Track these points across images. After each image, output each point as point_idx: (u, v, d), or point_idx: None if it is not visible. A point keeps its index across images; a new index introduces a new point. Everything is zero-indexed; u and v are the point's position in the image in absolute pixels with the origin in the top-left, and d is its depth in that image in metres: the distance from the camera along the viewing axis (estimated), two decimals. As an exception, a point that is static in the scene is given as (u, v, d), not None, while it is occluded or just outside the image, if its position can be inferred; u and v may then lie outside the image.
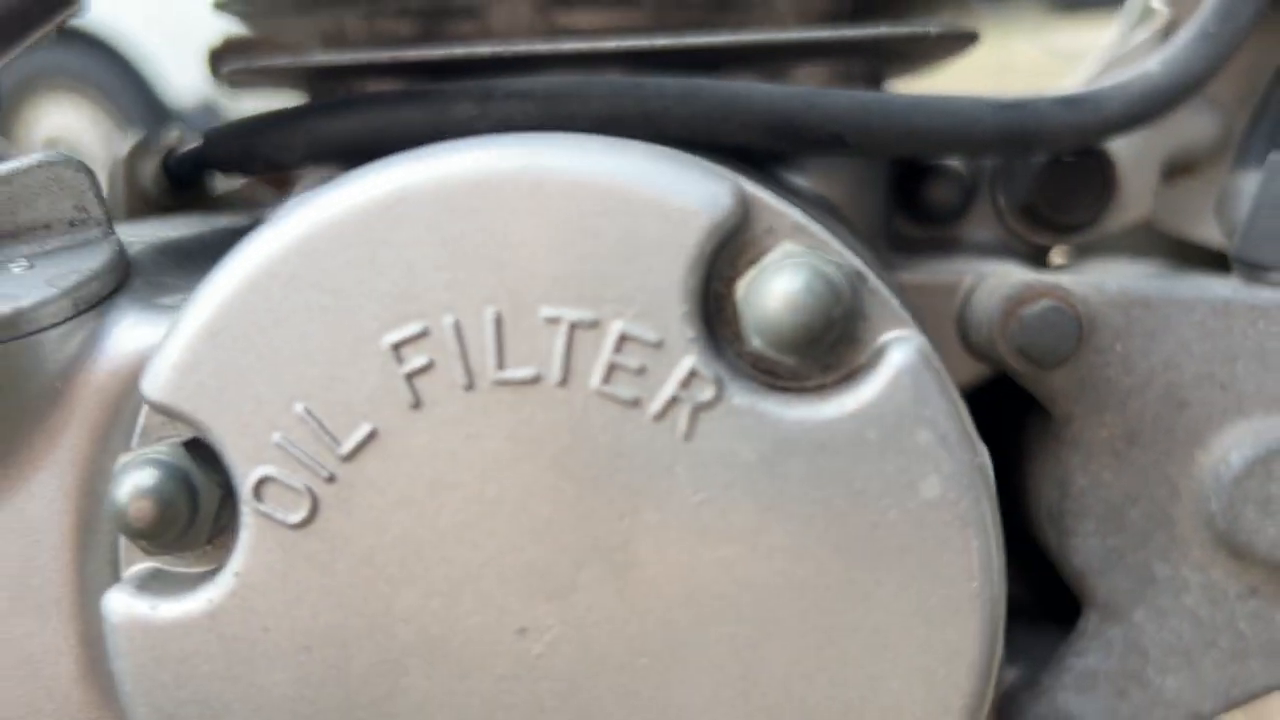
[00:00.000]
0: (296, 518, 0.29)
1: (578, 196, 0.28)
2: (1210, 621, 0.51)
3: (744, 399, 0.28)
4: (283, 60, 0.54)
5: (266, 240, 0.29)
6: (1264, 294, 0.50)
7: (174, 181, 0.60)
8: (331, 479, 0.29)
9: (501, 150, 0.29)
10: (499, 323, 0.28)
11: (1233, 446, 0.49)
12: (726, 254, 0.29)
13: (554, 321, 0.28)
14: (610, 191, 0.28)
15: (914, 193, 0.59)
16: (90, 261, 0.34)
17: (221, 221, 0.48)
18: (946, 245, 0.60)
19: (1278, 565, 0.50)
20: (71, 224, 0.36)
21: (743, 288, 0.28)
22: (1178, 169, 0.61)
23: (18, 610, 0.33)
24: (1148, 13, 0.64)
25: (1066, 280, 0.50)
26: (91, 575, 0.33)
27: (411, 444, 0.29)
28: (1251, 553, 0.49)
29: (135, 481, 0.30)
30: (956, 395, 0.29)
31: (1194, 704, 0.52)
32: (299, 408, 0.29)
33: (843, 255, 0.29)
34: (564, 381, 0.29)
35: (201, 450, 0.31)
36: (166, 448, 0.31)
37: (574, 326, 0.28)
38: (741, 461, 0.28)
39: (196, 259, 0.40)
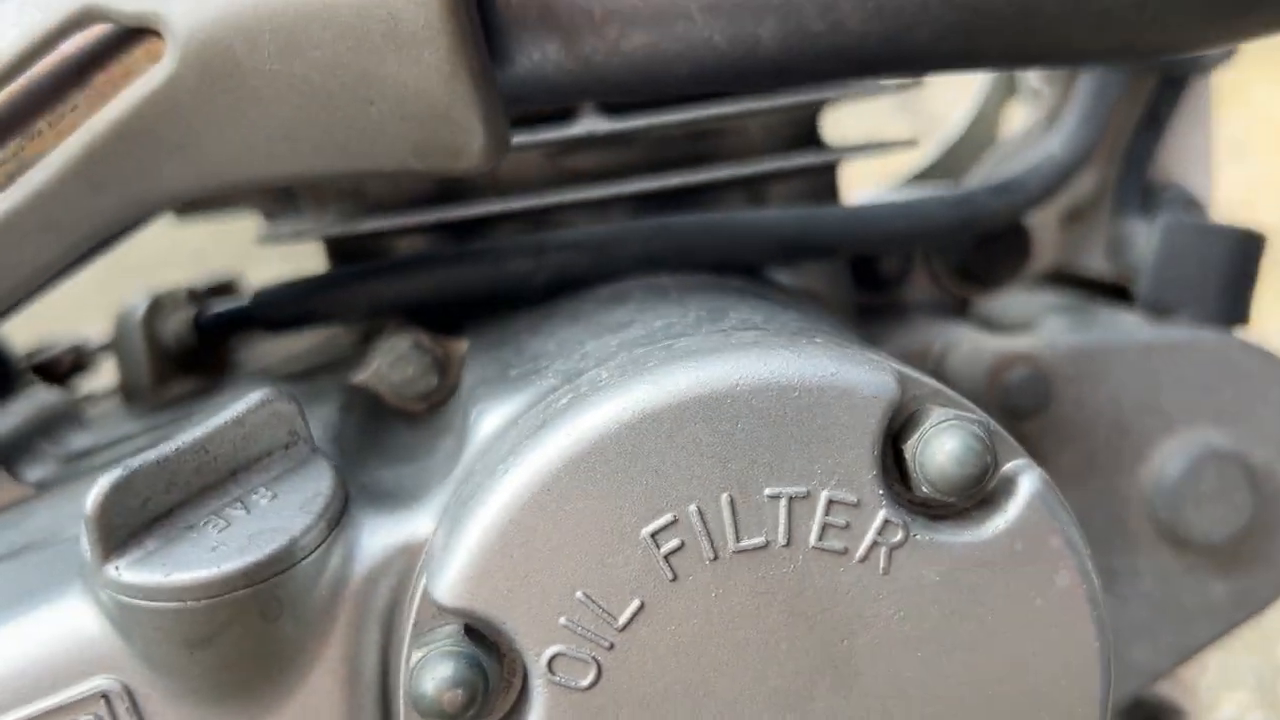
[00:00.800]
0: (585, 682, 0.36)
1: (782, 397, 0.36)
2: (1161, 599, 0.63)
3: (923, 535, 0.37)
4: (327, 229, 0.58)
5: (535, 460, 0.36)
6: (1173, 332, 0.61)
7: (203, 340, 0.64)
8: (611, 647, 0.36)
9: (719, 367, 0.36)
10: (733, 505, 0.36)
11: (1167, 458, 0.61)
12: (894, 424, 0.37)
13: (775, 498, 0.36)
14: (807, 389, 0.36)
15: (866, 269, 0.69)
16: (320, 481, 0.40)
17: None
18: (893, 308, 0.70)
19: (1209, 547, 0.62)
20: (285, 447, 0.41)
21: (910, 449, 0.37)
22: (1069, 218, 0.73)
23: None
24: (1030, 94, 0.75)
25: (1030, 345, 0.60)
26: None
27: (673, 609, 0.36)
28: (1189, 540, 0.62)
29: (441, 674, 0.36)
30: (1065, 502, 0.38)
31: (1154, 666, 0.64)
32: (579, 594, 0.36)
33: (974, 410, 0.38)
34: (788, 544, 0.36)
35: (477, 635, 0.37)
36: (452, 639, 0.37)
37: (791, 499, 0.36)
38: (928, 583, 0.37)
39: (360, 454, 0.46)
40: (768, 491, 0.36)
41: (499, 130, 0.41)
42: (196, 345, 0.65)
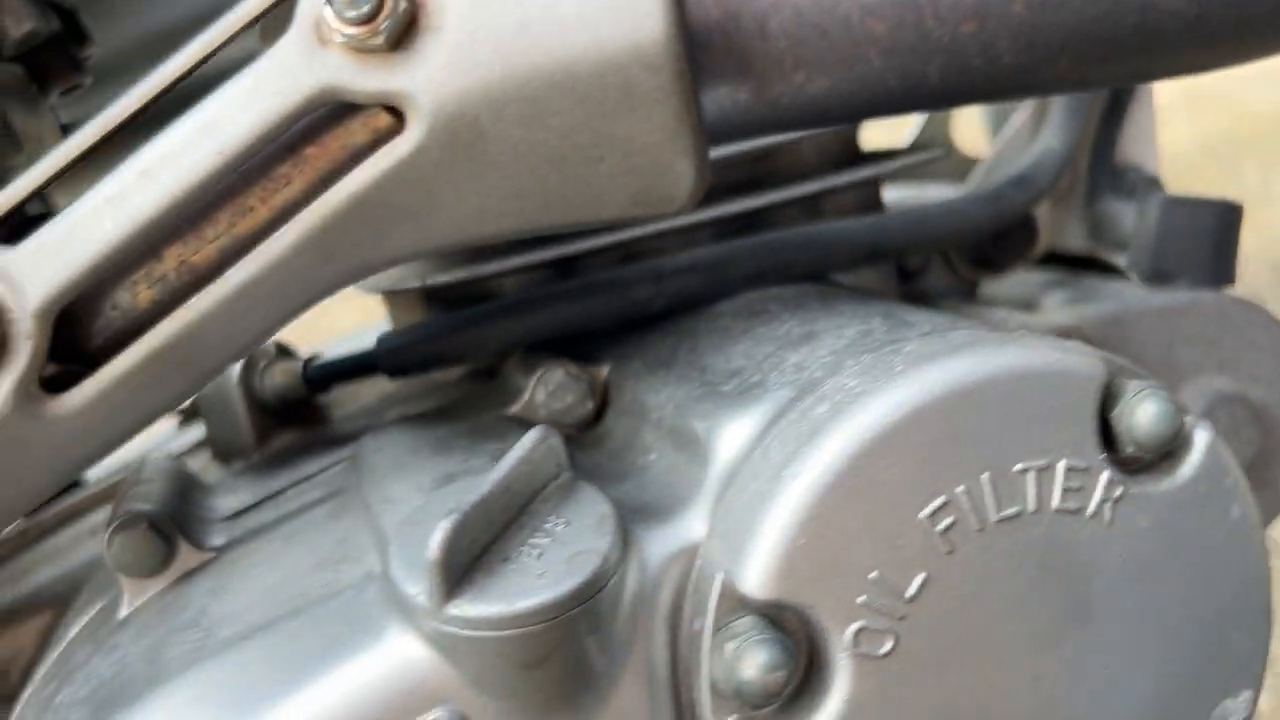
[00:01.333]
0: (884, 650, 0.41)
1: (1020, 383, 0.42)
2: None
3: (1135, 488, 0.44)
4: (433, 278, 0.61)
5: (822, 462, 0.41)
6: (1179, 296, 0.71)
7: (311, 389, 0.66)
8: (904, 617, 0.42)
9: (964, 364, 0.42)
10: (992, 481, 0.42)
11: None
12: (1104, 397, 0.44)
13: (1024, 471, 0.42)
14: (1039, 375, 0.42)
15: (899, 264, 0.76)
16: (597, 504, 0.44)
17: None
18: (919, 297, 0.78)
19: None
20: (555, 478, 0.45)
21: (1116, 417, 0.44)
22: (1052, 204, 0.82)
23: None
24: None
25: (1069, 318, 0.68)
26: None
27: (951, 578, 0.42)
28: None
29: (761, 660, 0.40)
30: (1225, 444, 0.46)
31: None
32: (873, 575, 0.41)
33: (1151, 376, 0.45)
34: (1036, 510, 0.43)
35: (772, 621, 0.42)
36: (757, 628, 0.41)
37: (1037, 471, 0.42)
38: (1141, 529, 0.44)
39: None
40: (1017, 467, 0.42)
41: (705, 174, 0.46)
42: (301, 398, 0.66)
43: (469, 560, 0.40)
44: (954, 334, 0.45)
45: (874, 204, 0.70)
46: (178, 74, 0.46)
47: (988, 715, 0.43)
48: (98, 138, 0.46)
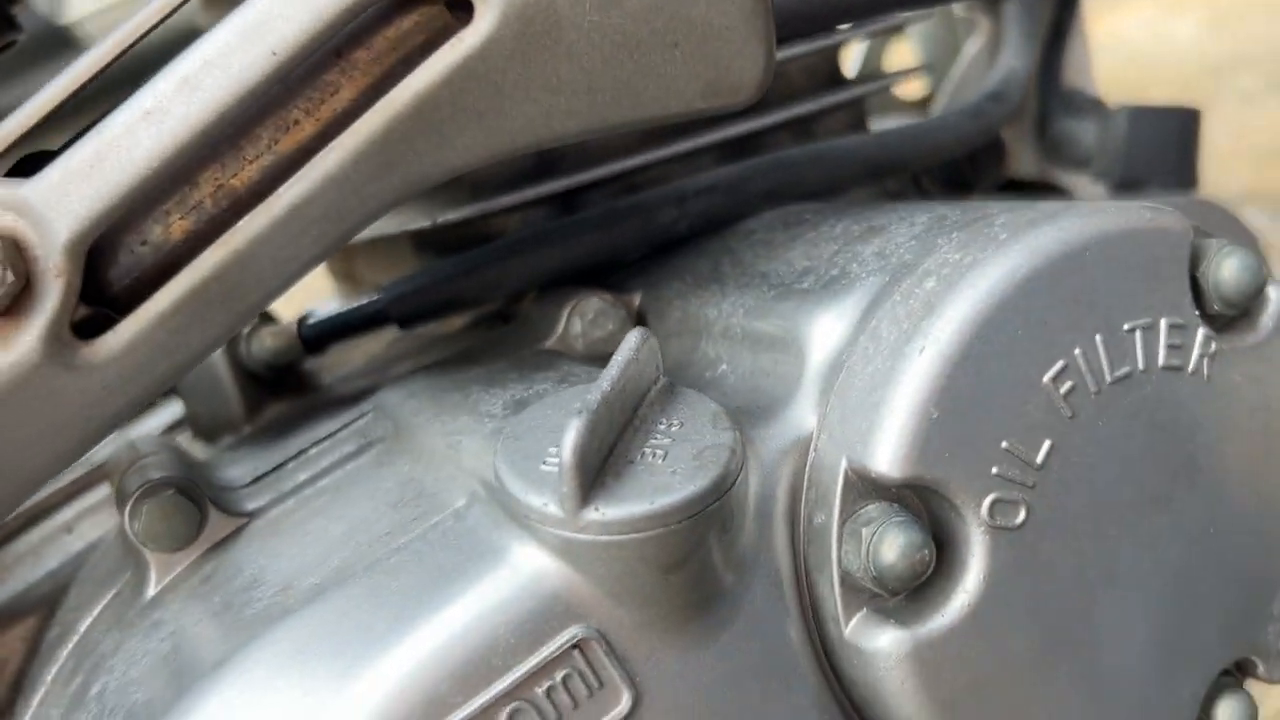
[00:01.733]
0: (1018, 521, 0.41)
1: (1122, 245, 0.42)
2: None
3: (1224, 344, 0.44)
4: (438, 217, 0.58)
5: (944, 335, 0.40)
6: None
7: (307, 350, 0.62)
8: (1034, 486, 0.41)
9: (1069, 228, 0.41)
10: (1104, 343, 0.42)
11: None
12: (1192, 256, 0.44)
13: (1131, 331, 0.42)
14: (1136, 236, 0.42)
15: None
16: (704, 404, 0.42)
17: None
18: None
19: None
20: (655, 381, 0.42)
21: (1203, 274, 0.44)
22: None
23: (771, 695, 0.41)
24: (968, 23, 0.85)
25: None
26: (807, 640, 0.42)
27: (1074, 442, 0.41)
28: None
29: (904, 541, 0.39)
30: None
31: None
32: (1003, 445, 0.40)
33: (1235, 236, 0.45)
34: (1145, 369, 0.42)
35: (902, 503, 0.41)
36: (891, 510, 0.40)
37: (1143, 330, 0.42)
38: (1234, 382, 0.44)
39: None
40: (1125, 326, 0.42)
41: (773, 63, 0.45)
42: (294, 362, 0.62)
43: (599, 463, 0.38)
44: (1043, 205, 0.45)
45: (861, 125, 0.70)
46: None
47: (1113, 580, 0.43)
48: (106, 62, 0.42)
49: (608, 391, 0.38)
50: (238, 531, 0.50)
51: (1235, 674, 0.46)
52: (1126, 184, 0.74)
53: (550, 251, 0.57)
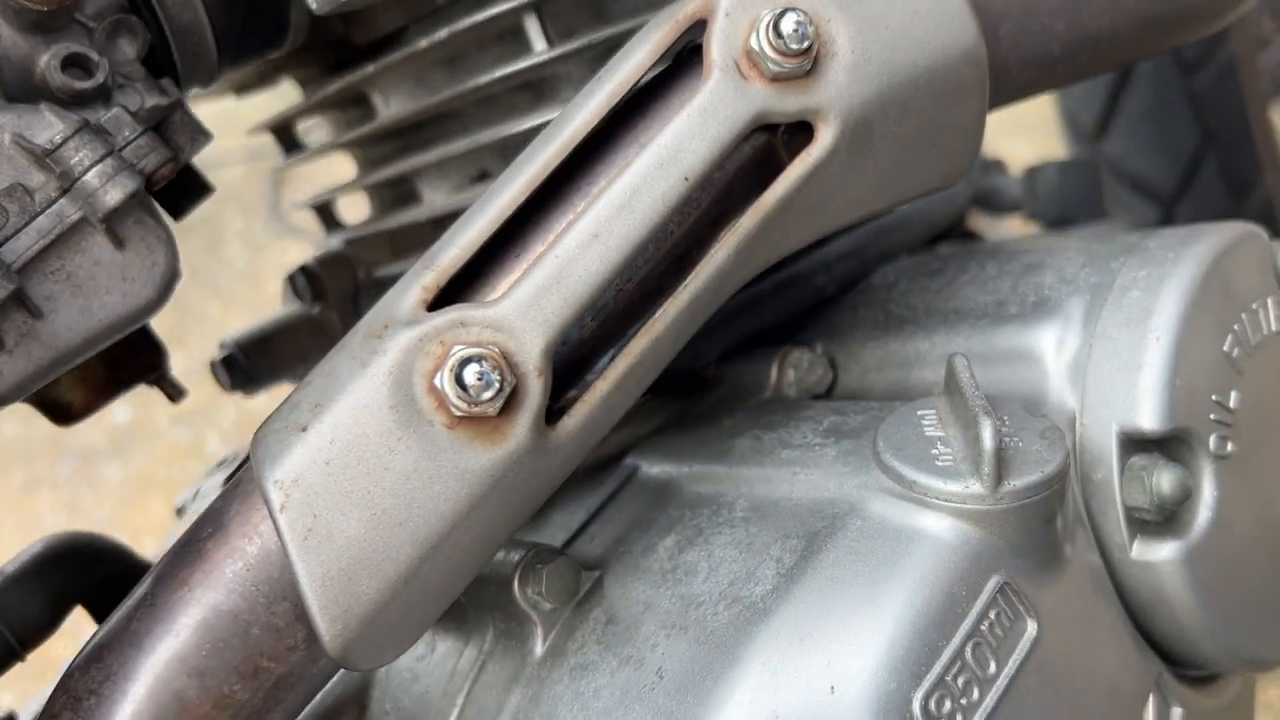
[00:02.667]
0: (1230, 451, 0.57)
1: (1241, 248, 0.60)
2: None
3: (1297, 312, 0.63)
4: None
5: (1169, 307, 0.56)
6: (1090, 230, 0.93)
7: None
8: (1232, 425, 0.57)
9: (1210, 240, 0.59)
10: (1247, 320, 0.59)
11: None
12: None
13: (1256, 309, 0.60)
14: (1250, 241, 0.60)
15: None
16: (1012, 401, 0.55)
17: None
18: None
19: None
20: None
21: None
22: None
23: (1099, 605, 0.55)
24: None
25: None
26: (1102, 565, 0.56)
27: (1248, 388, 0.58)
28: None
29: (1173, 476, 0.54)
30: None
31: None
32: (1213, 397, 0.57)
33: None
34: (1275, 333, 0.60)
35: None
36: (1151, 456, 0.55)
37: (1263, 307, 0.60)
38: (1307, 338, 0.63)
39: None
40: (1253, 305, 0.60)
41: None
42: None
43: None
44: (1162, 232, 0.62)
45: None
46: (596, 119, 0.52)
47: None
48: (525, 195, 0.51)
49: (979, 397, 0.51)
50: (597, 581, 0.58)
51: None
52: (1059, 222, 0.95)
53: (742, 321, 0.69)
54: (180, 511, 0.87)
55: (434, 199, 0.74)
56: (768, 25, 0.51)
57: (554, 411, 0.50)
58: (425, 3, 0.69)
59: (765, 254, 0.55)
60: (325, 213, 0.86)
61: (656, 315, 0.52)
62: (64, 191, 0.55)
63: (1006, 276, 0.65)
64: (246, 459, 0.85)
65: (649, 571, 0.57)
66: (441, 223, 0.75)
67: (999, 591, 0.50)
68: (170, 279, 0.59)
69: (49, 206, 0.55)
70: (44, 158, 0.54)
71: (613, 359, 0.52)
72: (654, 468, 0.64)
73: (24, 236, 0.55)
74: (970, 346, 0.63)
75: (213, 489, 0.88)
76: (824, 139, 0.53)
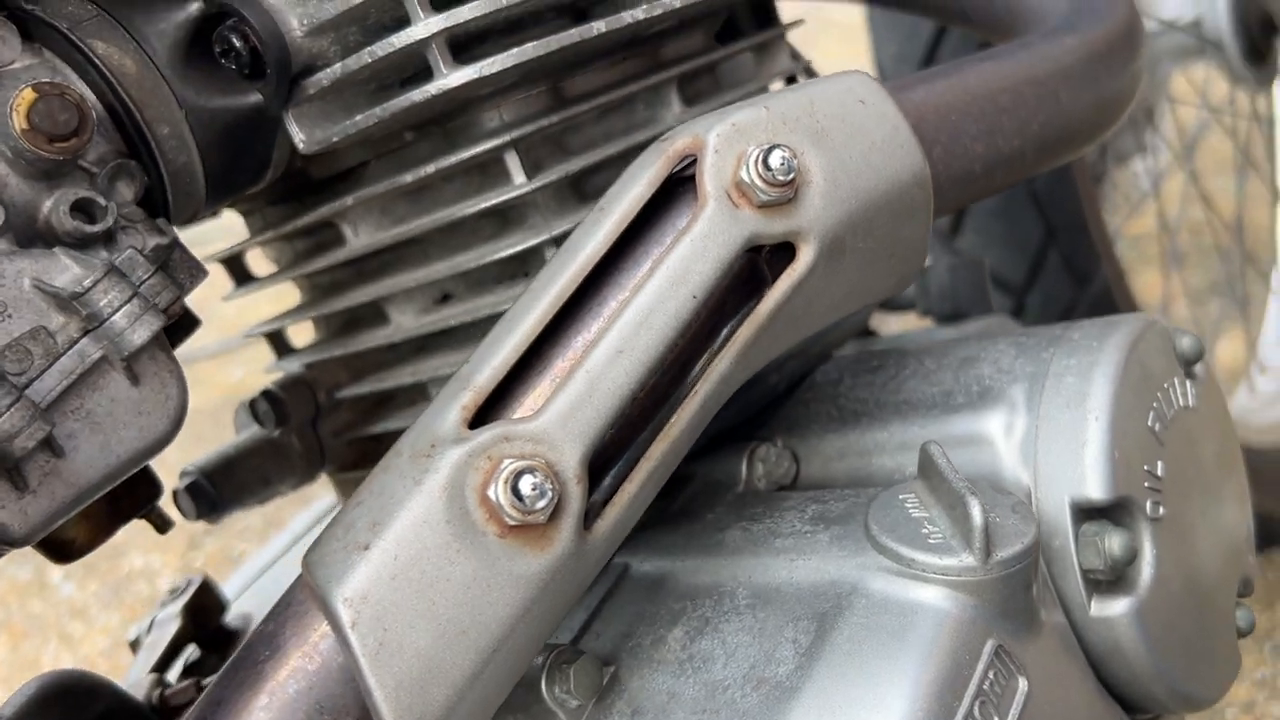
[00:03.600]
0: (1162, 513, 0.65)
1: (1151, 338, 0.69)
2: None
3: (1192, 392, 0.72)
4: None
5: (1102, 393, 0.64)
6: (981, 324, 1.02)
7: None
8: (1161, 490, 0.65)
9: (1128, 331, 0.67)
10: (1161, 397, 0.68)
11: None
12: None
13: (1167, 388, 0.69)
14: (1156, 332, 0.69)
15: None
16: (975, 480, 0.62)
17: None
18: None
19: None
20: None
21: (1179, 348, 0.72)
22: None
23: (1069, 660, 0.61)
24: None
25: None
26: (1066, 623, 0.63)
27: (1168, 456, 0.67)
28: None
29: (1121, 540, 0.62)
30: None
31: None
32: (1145, 466, 0.65)
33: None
34: (1183, 407, 0.69)
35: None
36: (1097, 525, 0.62)
37: (1169, 386, 0.69)
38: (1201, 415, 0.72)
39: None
40: (1164, 385, 0.69)
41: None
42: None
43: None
44: (1078, 324, 0.70)
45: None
46: (605, 248, 0.57)
47: (1200, 553, 0.68)
48: (548, 319, 0.56)
49: (966, 483, 0.58)
50: (615, 675, 0.61)
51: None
52: (951, 317, 1.04)
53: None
54: (135, 645, 0.86)
55: (402, 322, 0.77)
56: (756, 159, 0.57)
57: (587, 515, 0.54)
58: (394, 139, 0.74)
59: (759, 358, 0.60)
60: (277, 338, 0.88)
61: (672, 420, 0.57)
62: (85, 332, 0.57)
63: (946, 370, 0.72)
64: (195, 585, 0.85)
65: (665, 662, 0.61)
66: (412, 344, 0.78)
67: (995, 654, 0.56)
68: (182, 411, 0.61)
69: (71, 347, 0.57)
70: (70, 301, 0.56)
71: (635, 463, 0.56)
72: (645, 564, 0.68)
73: (48, 378, 0.56)
74: (926, 434, 0.69)
75: (169, 618, 0.87)
76: (805, 256, 0.59)
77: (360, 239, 0.76)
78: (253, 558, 1.00)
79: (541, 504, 0.51)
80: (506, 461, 0.51)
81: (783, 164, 0.57)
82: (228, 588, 0.97)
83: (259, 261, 0.90)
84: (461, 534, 0.50)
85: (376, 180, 0.75)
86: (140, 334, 0.56)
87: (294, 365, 0.85)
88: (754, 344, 0.59)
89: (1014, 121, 0.72)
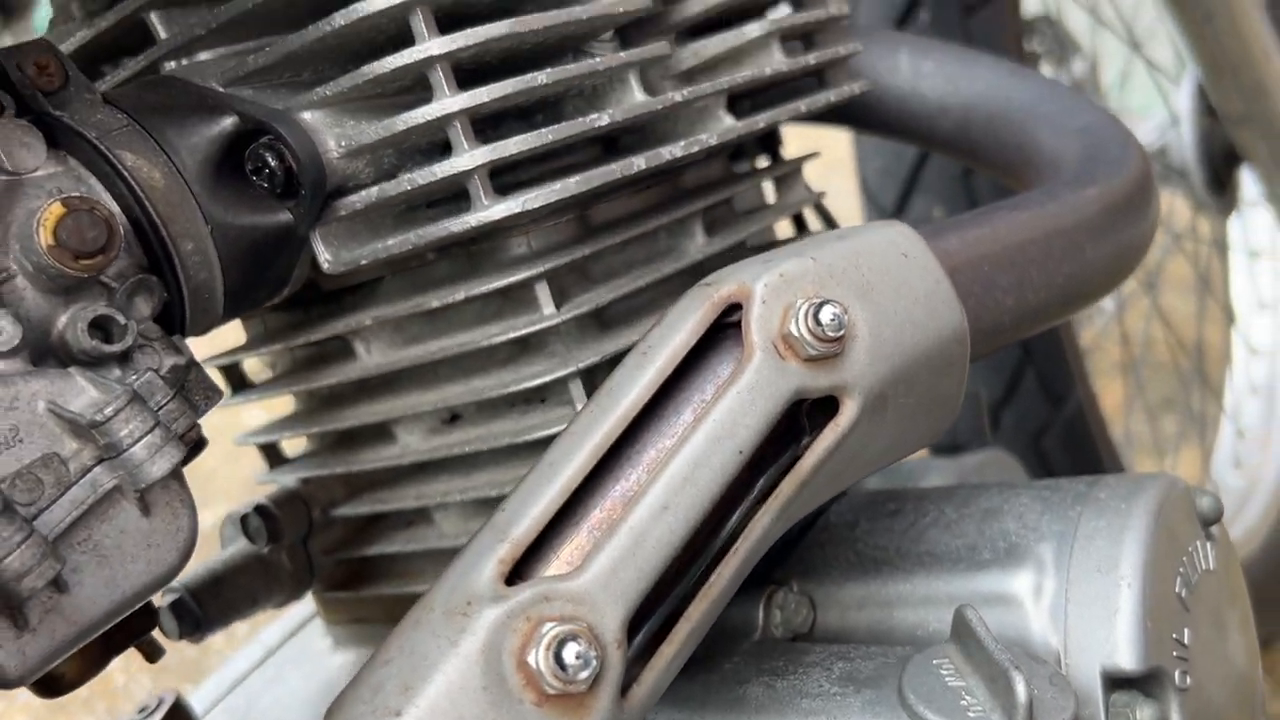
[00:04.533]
0: (1189, 683, 0.64)
1: (1175, 499, 0.68)
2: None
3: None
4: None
5: (1134, 560, 0.63)
6: (977, 455, 1.01)
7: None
8: (1188, 659, 0.64)
9: (1155, 493, 0.67)
10: (1186, 561, 0.67)
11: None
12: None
13: (1192, 551, 0.68)
14: (1179, 493, 0.69)
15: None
16: (1011, 648, 0.60)
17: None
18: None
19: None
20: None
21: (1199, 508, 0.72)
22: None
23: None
24: None
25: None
26: None
27: (1194, 622, 0.66)
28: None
29: (1152, 712, 0.60)
30: None
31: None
32: (1173, 635, 0.64)
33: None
34: (1210, 569, 0.68)
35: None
36: (1128, 695, 0.61)
37: (1194, 549, 0.68)
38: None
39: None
40: (1189, 548, 0.68)
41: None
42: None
43: (1018, 699, 0.55)
44: (1101, 481, 0.70)
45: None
46: (647, 396, 0.55)
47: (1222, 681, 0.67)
48: (589, 469, 0.54)
49: (1008, 654, 0.56)
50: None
51: None
52: (949, 449, 1.03)
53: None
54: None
55: (410, 442, 0.75)
56: (806, 313, 0.56)
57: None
58: (414, 258, 0.72)
59: (798, 513, 0.59)
60: (271, 450, 0.85)
61: (712, 580, 0.55)
62: (99, 461, 0.54)
63: (969, 520, 0.71)
64: (167, 704, 0.81)
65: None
66: (417, 464, 0.76)
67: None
68: (192, 543, 0.58)
69: (83, 475, 0.54)
70: (88, 429, 0.53)
71: (671, 620, 0.54)
72: (660, 715, 0.66)
73: (57, 509, 0.53)
74: (952, 590, 0.68)
75: (138, 741, 0.82)
76: (849, 412, 0.58)
77: (373, 357, 0.73)
78: (223, 669, 0.95)
79: (584, 674, 0.48)
80: (547, 625, 0.49)
81: (833, 320, 0.56)
82: (195, 699, 0.92)
83: (250, 361, 0.87)
84: (498, 702, 0.48)
85: (393, 298, 0.73)
86: (160, 467, 0.54)
87: (288, 478, 0.82)
88: (795, 499, 0.57)
89: (1042, 274, 0.72)
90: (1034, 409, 1.62)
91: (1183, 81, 2.03)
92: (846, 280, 0.59)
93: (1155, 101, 2.11)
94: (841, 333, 0.57)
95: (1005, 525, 0.70)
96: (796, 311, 0.57)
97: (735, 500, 0.58)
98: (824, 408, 0.59)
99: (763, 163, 0.93)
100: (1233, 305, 2.43)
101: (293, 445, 0.88)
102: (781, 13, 0.84)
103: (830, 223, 0.95)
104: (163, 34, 0.66)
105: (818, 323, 0.56)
